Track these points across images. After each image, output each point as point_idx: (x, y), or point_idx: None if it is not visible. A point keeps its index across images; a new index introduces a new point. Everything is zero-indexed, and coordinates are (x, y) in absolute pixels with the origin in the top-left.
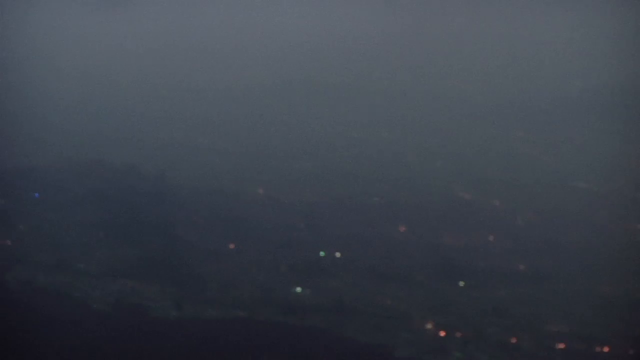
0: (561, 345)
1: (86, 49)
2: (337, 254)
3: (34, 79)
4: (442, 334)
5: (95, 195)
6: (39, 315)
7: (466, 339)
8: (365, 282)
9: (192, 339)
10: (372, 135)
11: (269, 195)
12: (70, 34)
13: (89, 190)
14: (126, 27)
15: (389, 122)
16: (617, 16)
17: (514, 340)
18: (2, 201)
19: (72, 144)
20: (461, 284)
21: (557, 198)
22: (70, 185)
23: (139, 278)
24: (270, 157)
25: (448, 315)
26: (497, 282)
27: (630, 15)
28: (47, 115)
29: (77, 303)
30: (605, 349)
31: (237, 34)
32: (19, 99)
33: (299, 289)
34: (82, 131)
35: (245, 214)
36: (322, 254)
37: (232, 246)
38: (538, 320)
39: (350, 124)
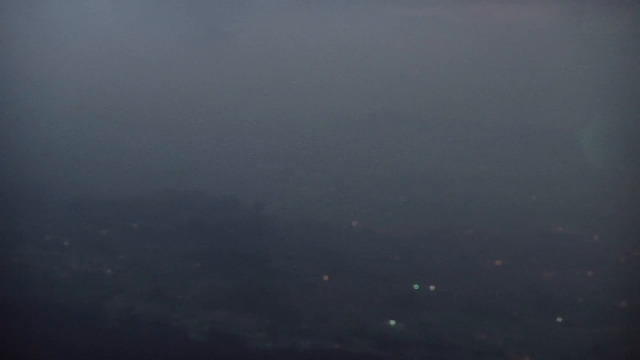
0: None
1: (184, 89)
2: (432, 287)
3: (132, 113)
4: None
5: (193, 226)
6: (137, 344)
7: None
8: (460, 316)
9: None
10: (467, 169)
11: (363, 227)
12: (170, 73)
13: (188, 221)
14: (217, 62)
15: (483, 156)
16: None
17: None
18: (104, 231)
19: (171, 175)
20: (559, 320)
21: None
22: (169, 216)
23: (235, 309)
24: (365, 190)
25: (545, 352)
26: (597, 319)
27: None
28: (146, 147)
29: (174, 332)
30: None
31: (328, 66)
32: (114, 131)
33: (393, 322)
34: (180, 163)
35: (340, 246)
36: (416, 287)
37: (326, 278)
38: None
39: (444, 158)
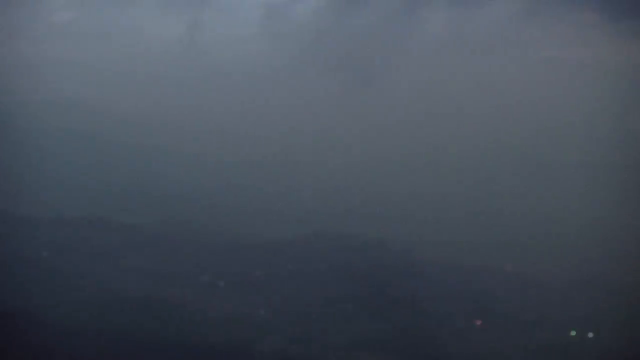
0: None
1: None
2: (590, 334)
3: (283, 157)
4: None
5: (341, 269)
6: None
7: None
8: None
9: None
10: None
11: (516, 271)
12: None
13: (335, 264)
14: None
15: None
16: None
17: None
18: (257, 272)
19: (318, 218)
20: None
21: None
22: (317, 259)
23: (386, 351)
24: (516, 233)
25: None
26: None
27: None
28: (298, 190)
29: None
30: None
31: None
32: (266, 175)
33: None
34: (331, 205)
35: (492, 290)
36: (573, 333)
37: (478, 322)
38: None
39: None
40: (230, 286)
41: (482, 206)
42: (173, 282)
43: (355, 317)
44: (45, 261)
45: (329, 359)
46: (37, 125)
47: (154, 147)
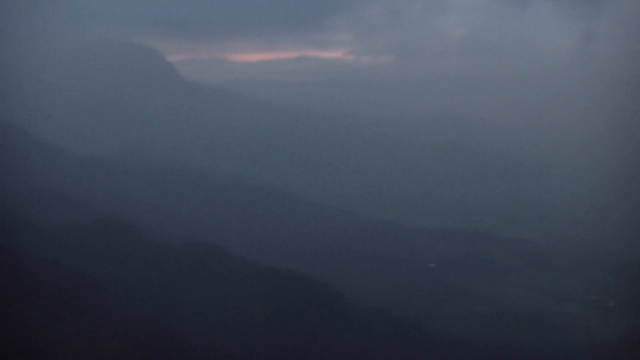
0: None
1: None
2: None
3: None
4: None
5: None
6: None
7: None
8: None
9: None
10: None
11: None
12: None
13: None
14: None
15: None
16: None
17: None
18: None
19: None
20: None
21: None
22: None
23: None
24: None
25: None
26: None
27: None
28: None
29: None
30: None
31: None
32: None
33: None
34: None
35: None
36: None
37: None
38: None
39: None
40: (620, 307)
41: None
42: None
43: None
44: (432, 272)
45: None
46: (418, 138)
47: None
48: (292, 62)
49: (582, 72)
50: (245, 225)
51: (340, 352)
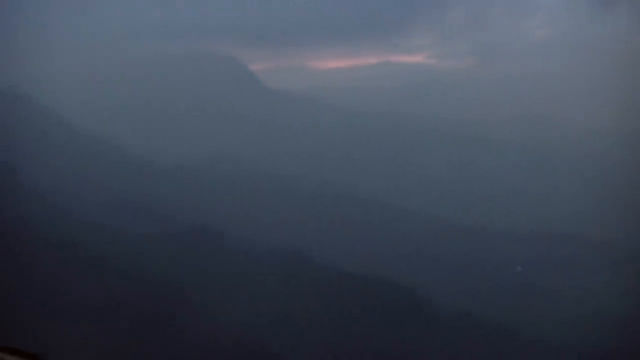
0: None
1: None
2: None
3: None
4: None
5: None
6: None
7: None
8: None
9: None
10: None
11: None
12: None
13: None
14: None
15: None
16: None
17: None
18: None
19: None
20: None
21: None
22: None
23: None
24: None
25: None
26: None
27: None
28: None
29: None
30: None
31: None
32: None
33: None
34: None
35: None
36: None
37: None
38: None
39: None
40: None
41: None
42: None
43: None
44: (519, 276)
45: None
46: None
47: None
48: (373, 68)
49: None
50: (331, 232)
51: (430, 356)
